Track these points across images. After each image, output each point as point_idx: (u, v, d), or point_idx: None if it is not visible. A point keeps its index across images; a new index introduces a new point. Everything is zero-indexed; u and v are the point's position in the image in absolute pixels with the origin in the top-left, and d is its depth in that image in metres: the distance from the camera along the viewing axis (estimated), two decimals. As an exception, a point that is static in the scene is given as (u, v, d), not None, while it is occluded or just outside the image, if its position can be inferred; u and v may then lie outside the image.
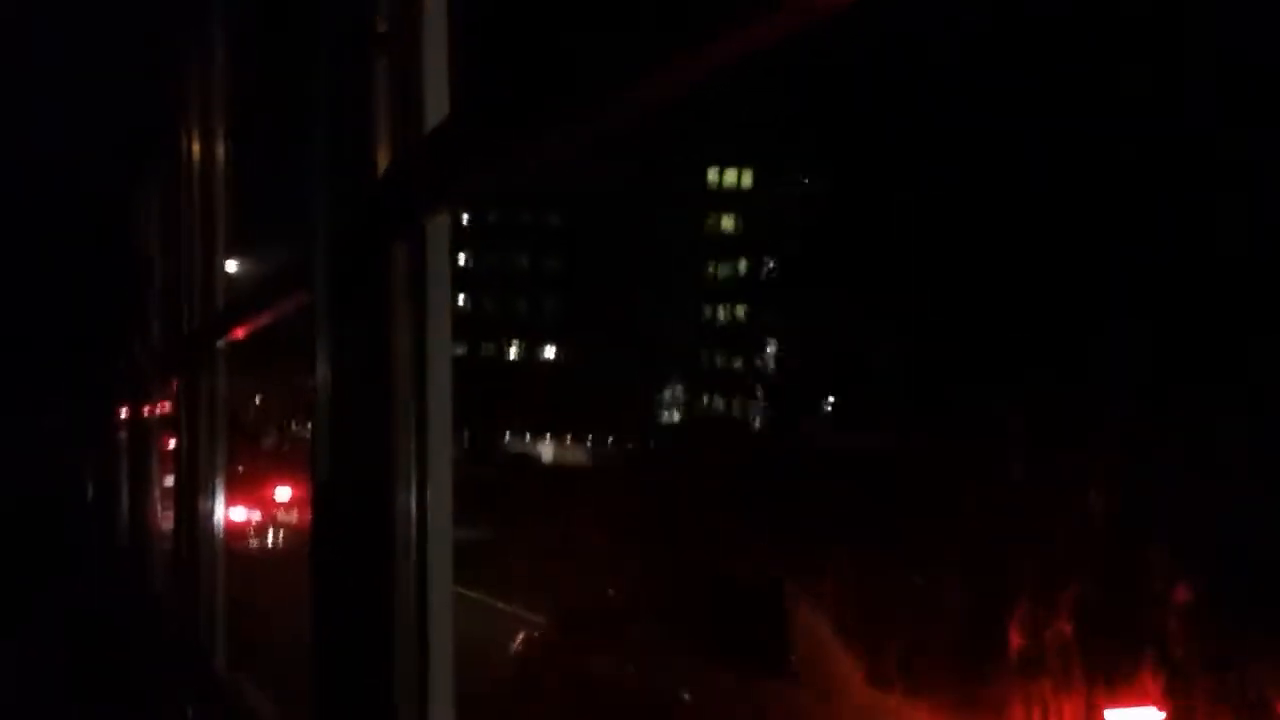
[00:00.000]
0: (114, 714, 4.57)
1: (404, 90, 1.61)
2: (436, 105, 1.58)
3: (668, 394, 69.76)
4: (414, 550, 1.56)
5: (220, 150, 2.80)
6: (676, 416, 69.95)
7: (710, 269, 70.83)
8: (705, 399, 70.32)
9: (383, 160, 1.63)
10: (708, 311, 71.19)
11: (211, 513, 3.39)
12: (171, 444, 4.35)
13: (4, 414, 8.58)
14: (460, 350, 68.33)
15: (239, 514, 19.08)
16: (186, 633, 3.58)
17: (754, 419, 66.70)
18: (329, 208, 1.77)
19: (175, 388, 3.81)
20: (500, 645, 10.07)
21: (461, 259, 67.94)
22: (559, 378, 57.53)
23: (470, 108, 1.48)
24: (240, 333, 2.65)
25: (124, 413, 6.78)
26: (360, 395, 1.64)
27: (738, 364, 69.96)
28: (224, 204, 2.79)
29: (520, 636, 9.99)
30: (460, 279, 67.03)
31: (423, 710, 1.51)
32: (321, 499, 1.76)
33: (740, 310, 70.30)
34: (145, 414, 5.61)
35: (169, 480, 4.57)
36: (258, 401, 35.56)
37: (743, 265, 70.41)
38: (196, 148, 3.01)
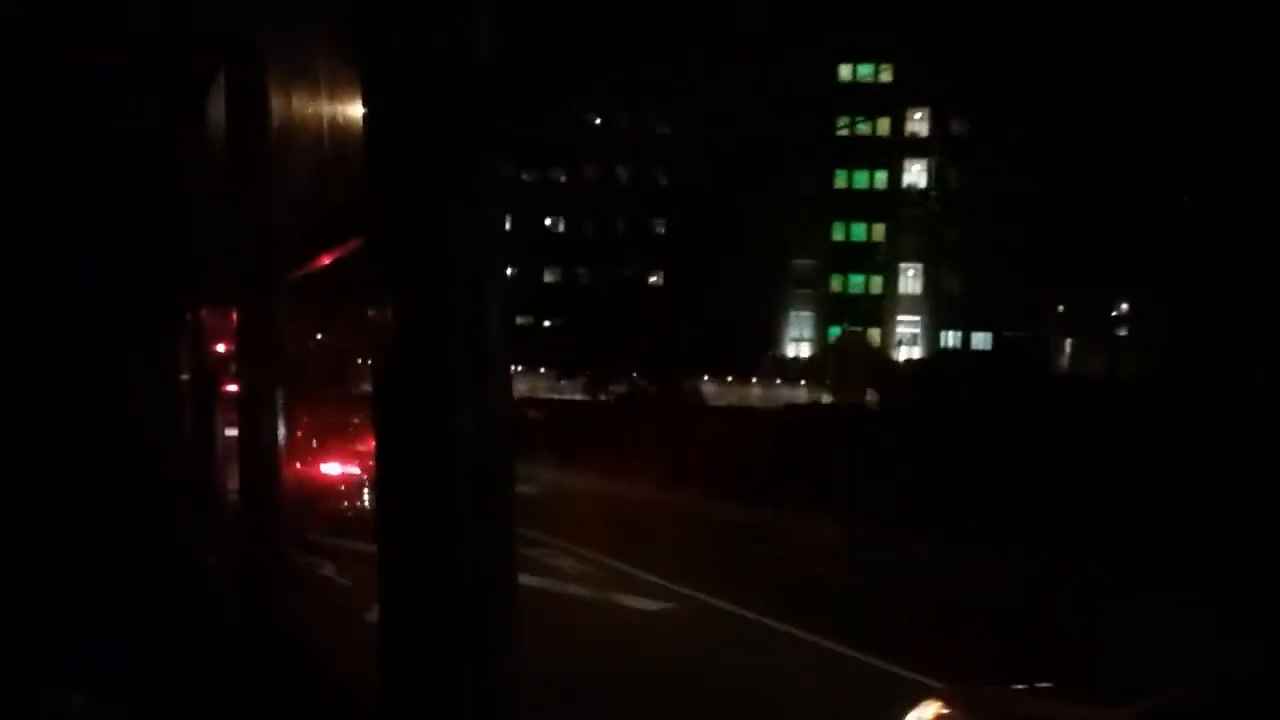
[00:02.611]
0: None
1: (452, 25, 1.82)
2: (486, 42, 1.80)
3: (793, 323, 69.66)
4: (475, 503, 1.80)
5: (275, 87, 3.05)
6: (805, 349, 69.91)
7: (841, 180, 70.03)
8: (840, 329, 69.97)
9: (433, 100, 1.84)
10: (839, 232, 70.57)
11: (272, 467, 3.67)
12: (232, 389, 4.62)
13: (62, 359, 9.12)
14: (553, 276, 68.91)
15: (333, 469, 19.02)
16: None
17: (901, 347, 66.26)
18: (382, 148, 1.99)
19: (235, 328, 4.04)
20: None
21: (562, 176, 68.23)
22: (669, 306, 57.56)
23: (524, 43, 1.69)
24: (298, 273, 2.92)
25: (184, 357, 7.11)
26: (418, 342, 1.88)
27: (876, 288, 69.43)
28: (277, 143, 3.04)
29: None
30: (553, 194, 67.26)
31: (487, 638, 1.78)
32: (385, 442, 2.00)
33: (879, 229, 69.63)
34: (207, 358, 5.93)
35: (232, 431, 4.85)
36: (322, 342, 36.62)
37: (883, 176, 69.65)
38: (254, 83, 3.27)
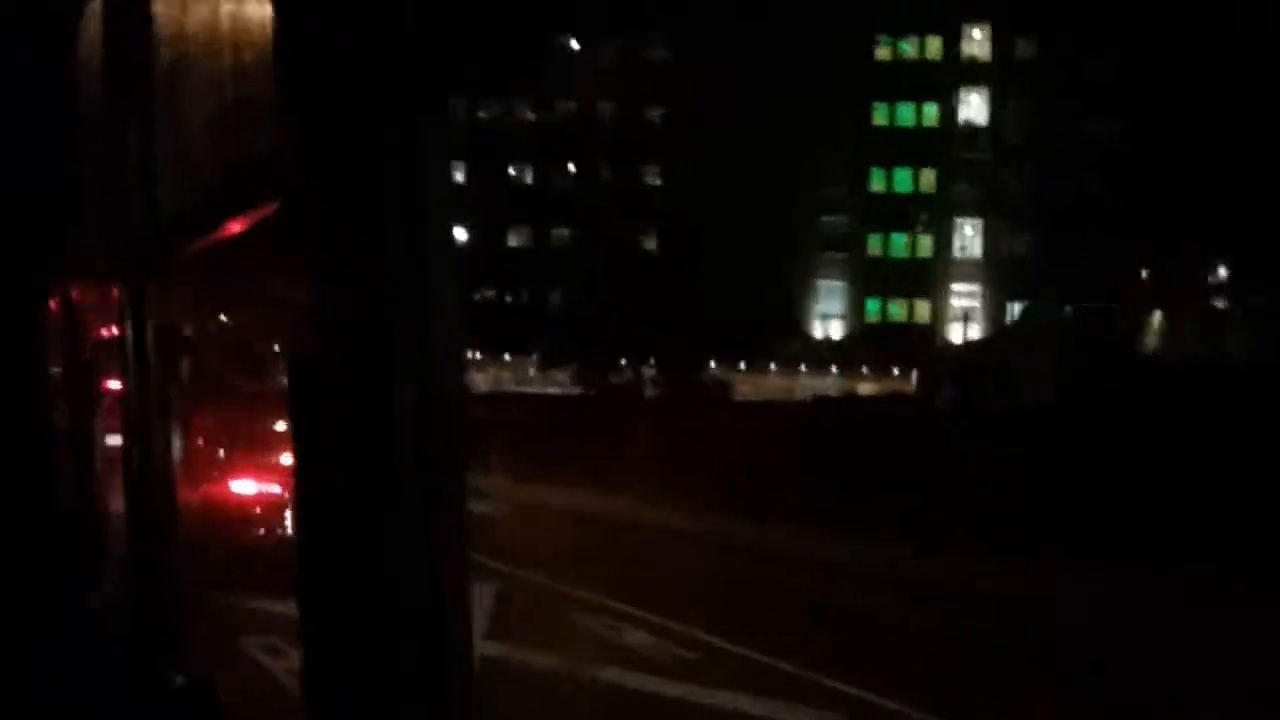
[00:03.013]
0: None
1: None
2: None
3: (822, 294, 69.67)
4: (419, 513, 1.82)
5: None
6: (835, 328, 69.95)
7: (881, 116, 70.06)
8: (880, 303, 70.06)
9: (364, 26, 1.85)
10: (878, 181, 70.62)
11: (166, 485, 3.68)
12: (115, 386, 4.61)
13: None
14: (519, 239, 68.72)
15: (246, 487, 19.00)
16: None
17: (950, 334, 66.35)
18: (299, 85, 2.00)
19: (119, 309, 4.04)
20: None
21: (529, 113, 67.97)
22: (668, 276, 57.50)
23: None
24: (198, 244, 2.92)
25: (53, 345, 7.09)
26: (345, 326, 1.89)
27: (924, 251, 69.30)
28: (167, 85, 3.04)
29: None
30: (518, 136, 66.95)
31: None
32: (305, 449, 2.01)
33: (928, 176, 69.61)
34: (82, 347, 5.92)
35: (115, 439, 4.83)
36: (229, 326, 36.65)
37: (933, 111, 69.59)
38: (136, 10, 3.26)
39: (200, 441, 19.58)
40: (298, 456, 2.03)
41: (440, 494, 1.86)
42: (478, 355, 63.06)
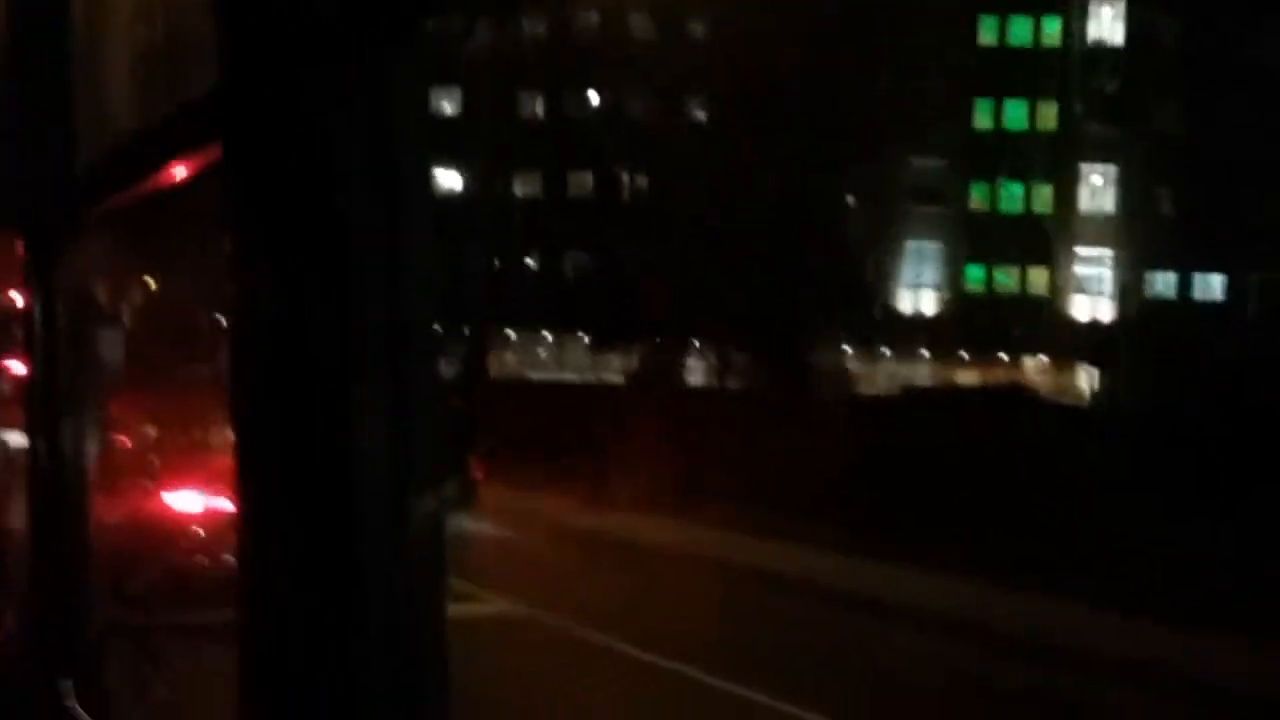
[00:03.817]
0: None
1: None
2: None
3: (911, 258, 69.47)
4: (389, 525, 1.90)
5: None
6: (927, 301, 69.80)
7: (989, 33, 69.77)
8: (984, 269, 69.81)
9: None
10: (984, 116, 70.37)
11: (78, 494, 3.73)
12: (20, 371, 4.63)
13: None
14: (528, 189, 68.71)
15: (185, 501, 18.79)
16: None
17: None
18: (250, 16, 2.07)
19: (23, 274, 4.08)
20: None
21: (541, 27, 67.86)
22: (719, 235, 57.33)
23: None
24: (124, 196, 2.99)
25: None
26: (297, 303, 1.97)
27: (1042, 205, 68.92)
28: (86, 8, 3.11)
29: None
30: (521, 59, 66.88)
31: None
32: (248, 446, 2.09)
33: (1048, 110, 69.40)
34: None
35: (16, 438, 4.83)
36: (159, 294, 36.64)
37: (1054, 27, 69.27)
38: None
39: (127, 442, 19.42)
40: (239, 456, 2.10)
41: (411, 502, 1.93)
42: (512, 335, 63.33)
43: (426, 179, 1.97)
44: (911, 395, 49.91)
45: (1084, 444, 32.99)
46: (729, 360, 52.18)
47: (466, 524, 27.53)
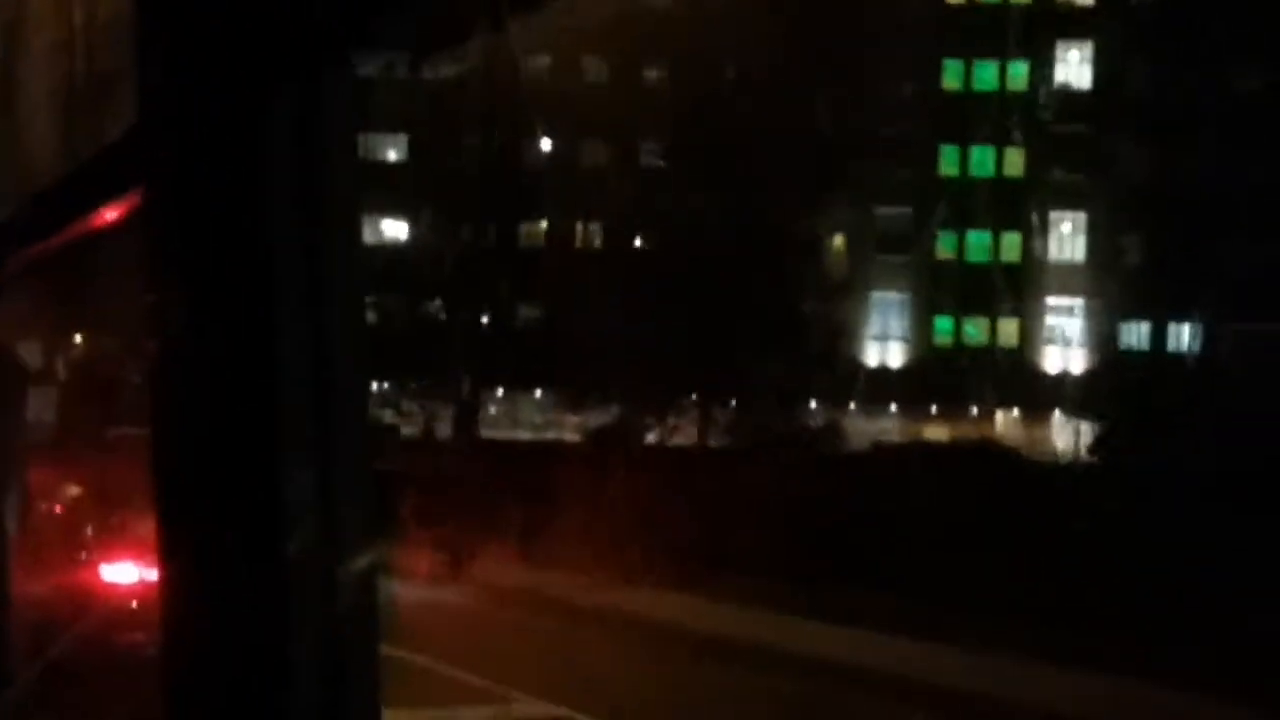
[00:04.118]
0: None
1: None
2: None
3: (876, 309, 69.82)
4: (319, 585, 1.87)
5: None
6: (894, 353, 70.09)
7: (954, 78, 70.23)
8: (953, 320, 70.11)
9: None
10: (950, 160, 70.73)
11: None
12: None
13: None
14: (479, 238, 68.88)
15: (123, 573, 18.41)
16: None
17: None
18: (171, 45, 2.06)
19: None
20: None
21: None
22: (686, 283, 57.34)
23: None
24: (40, 248, 2.97)
25: None
26: (217, 354, 1.94)
27: (1010, 253, 69.42)
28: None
29: None
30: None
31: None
32: (171, 532, 2.06)
33: (1015, 156, 69.90)
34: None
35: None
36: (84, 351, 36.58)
37: (1021, 72, 69.92)
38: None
39: (57, 509, 19.14)
40: (161, 532, 2.07)
41: (345, 593, 1.91)
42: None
43: (353, 220, 1.95)
44: (883, 451, 49.95)
45: (1080, 503, 32.86)
46: (709, 417, 52.12)
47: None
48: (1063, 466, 48.87)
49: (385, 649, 2.01)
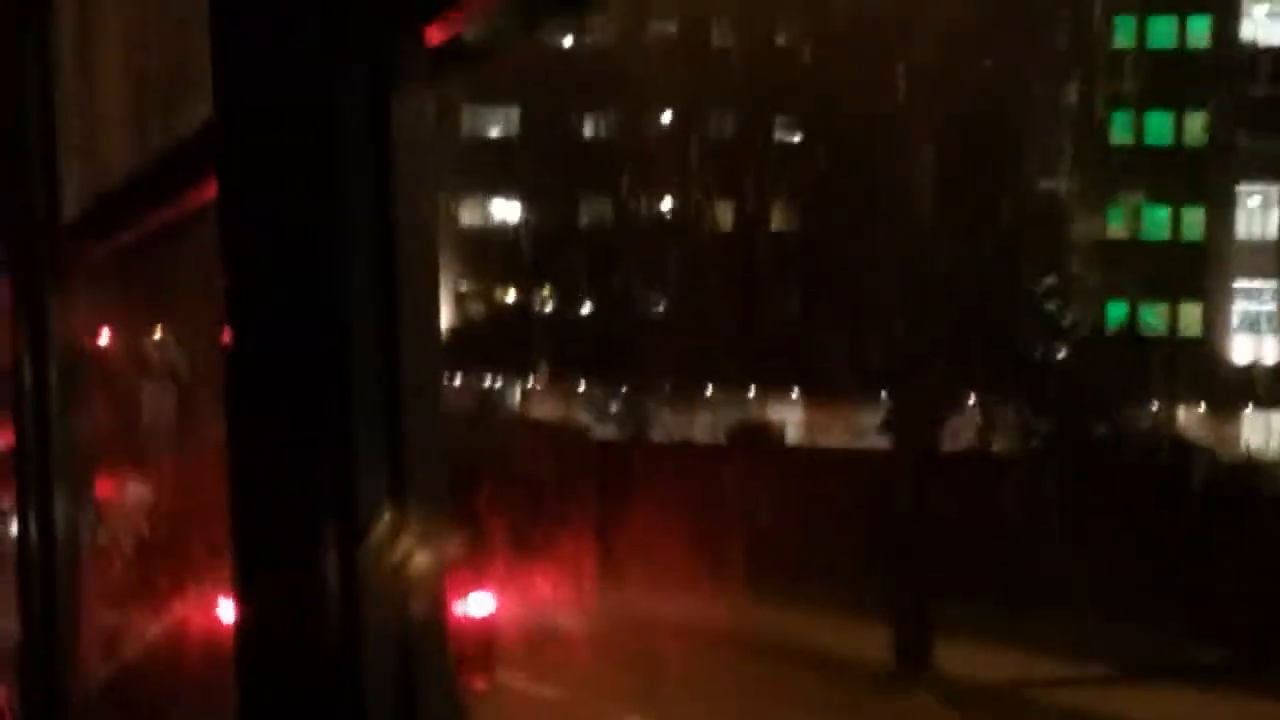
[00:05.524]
0: None
1: None
2: None
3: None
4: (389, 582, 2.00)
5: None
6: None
7: (1125, 34, 69.57)
8: (1127, 305, 69.47)
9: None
10: (1122, 127, 70.05)
11: (72, 598, 3.73)
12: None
13: None
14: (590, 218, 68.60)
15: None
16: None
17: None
18: (242, 28, 2.17)
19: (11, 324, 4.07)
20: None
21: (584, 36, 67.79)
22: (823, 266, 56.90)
23: None
24: (120, 239, 3.09)
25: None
26: (298, 338, 2.08)
27: (1192, 231, 68.43)
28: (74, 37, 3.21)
29: None
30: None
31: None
32: (244, 485, 2.19)
33: (1196, 121, 68.92)
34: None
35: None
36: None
37: (1202, 27, 69.04)
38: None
39: (159, 529, 19.05)
40: (233, 499, 2.19)
41: (414, 556, 2.04)
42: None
43: (430, 207, 2.06)
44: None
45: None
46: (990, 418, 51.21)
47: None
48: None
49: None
